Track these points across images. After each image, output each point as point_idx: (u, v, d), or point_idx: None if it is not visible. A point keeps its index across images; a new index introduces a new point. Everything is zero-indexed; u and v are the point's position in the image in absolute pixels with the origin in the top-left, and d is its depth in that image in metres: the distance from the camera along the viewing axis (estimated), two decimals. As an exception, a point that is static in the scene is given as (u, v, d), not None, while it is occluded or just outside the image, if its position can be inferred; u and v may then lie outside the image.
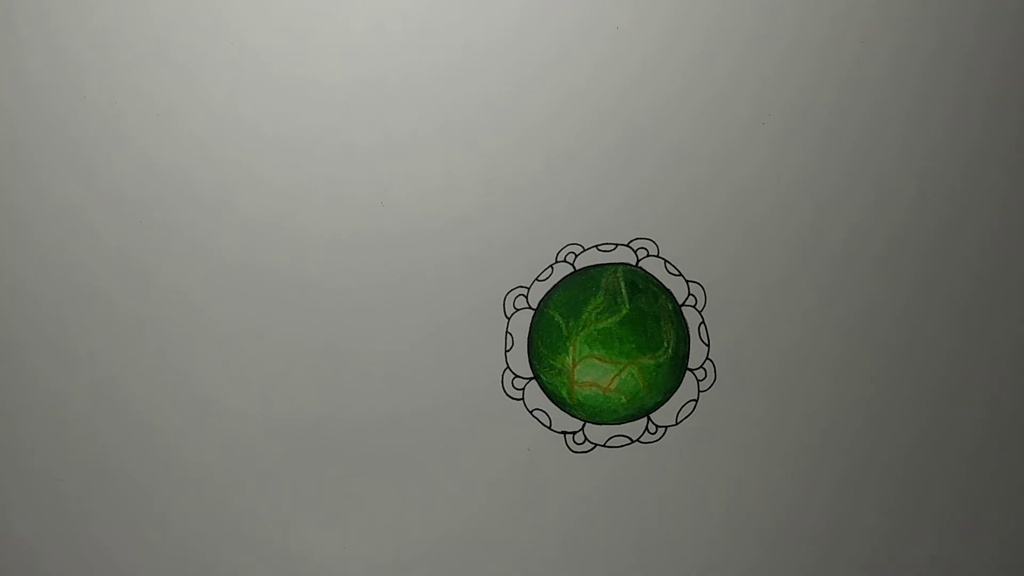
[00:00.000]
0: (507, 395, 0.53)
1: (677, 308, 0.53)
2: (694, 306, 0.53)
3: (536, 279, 0.53)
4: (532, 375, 0.53)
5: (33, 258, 0.54)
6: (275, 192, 0.53)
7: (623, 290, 0.53)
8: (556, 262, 0.53)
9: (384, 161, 0.53)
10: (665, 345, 0.53)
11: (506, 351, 0.53)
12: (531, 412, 0.53)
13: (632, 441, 0.53)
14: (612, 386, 0.53)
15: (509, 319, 0.53)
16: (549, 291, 0.53)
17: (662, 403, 0.53)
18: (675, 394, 0.53)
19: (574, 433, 0.53)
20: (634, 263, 0.53)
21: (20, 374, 0.53)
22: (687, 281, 0.53)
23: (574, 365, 0.53)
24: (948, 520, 0.53)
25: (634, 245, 0.53)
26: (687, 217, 0.53)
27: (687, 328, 0.53)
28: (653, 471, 0.53)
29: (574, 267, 0.53)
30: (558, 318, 0.53)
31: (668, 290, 0.53)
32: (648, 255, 0.53)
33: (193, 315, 0.53)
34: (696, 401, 0.53)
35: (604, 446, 0.53)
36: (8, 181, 0.54)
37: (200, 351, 0.53)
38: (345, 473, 0.53)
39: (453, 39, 0.53)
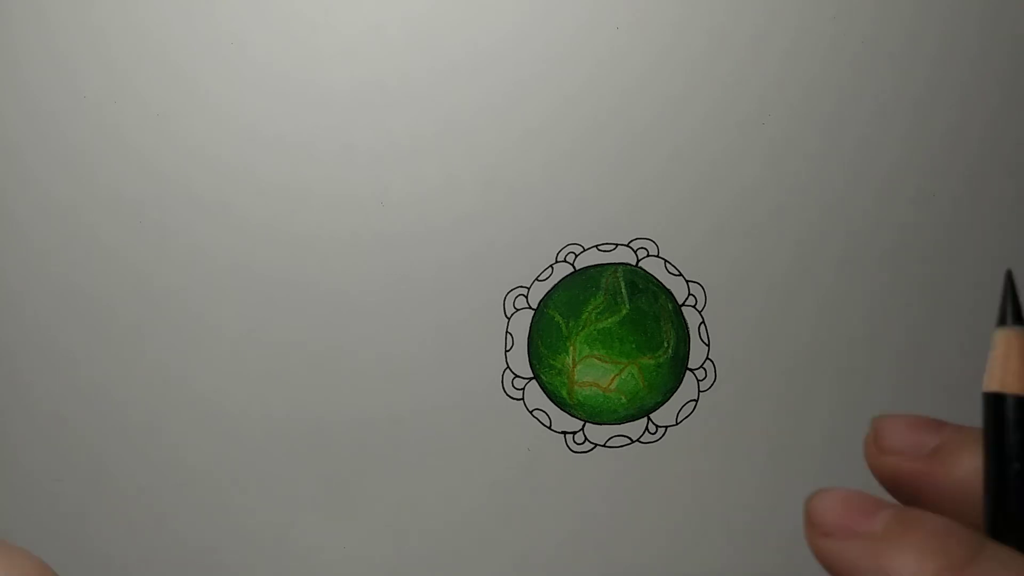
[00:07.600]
0: (507, 395, 0.53)
1: (677, 308, 0.53)
2: (694, 306, 0.53)
3: (536, 279, 0.53)
4: (532, 375, 0.53)
5: (30, 259, 0.53)
6: (275, 193, 0.53)
7: (623, 290, 0.53)
8: (556, 262, 0.53)
9: (384, 162, 0.53)
10: (665, 345, 0.53)
11: (506, 351, 0.53)
12: (531, 412, 0.53)
13: (632, 441, 0.53)
14: (612, 386, 0.53)
15: (509, 319, 0.53)
16: (549, 291, 0.53)
17: (662, 403, 0.53)
18: (675, 394, 0.53)
19: (574, 433, 0.53)
20: (634, 263, 0.53)
21: (18, 375, 0.53)
22: (687, 281, 0.53)
23: (574, 365, 0.53)
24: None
25: (634, 245, 0.53)
26: (687, 217, 0.53)
27: (687, 328, 0.53)
28: (653, 471, 0.53)
29: (574, 267, 0.53)
30: (558, 318, 0.53)
31: (668, 290, 0.53)
32: (648, 255, 0.53)
33: (192, 316, 0.53)
34: (696, 401, 0.53)
35: (604, 446, 0.53)
36: (4, 182, 0.54)
37: (199, 352, 0.53)
38: (345, 473, 0.53)
39: (453, 40, 0.53)
